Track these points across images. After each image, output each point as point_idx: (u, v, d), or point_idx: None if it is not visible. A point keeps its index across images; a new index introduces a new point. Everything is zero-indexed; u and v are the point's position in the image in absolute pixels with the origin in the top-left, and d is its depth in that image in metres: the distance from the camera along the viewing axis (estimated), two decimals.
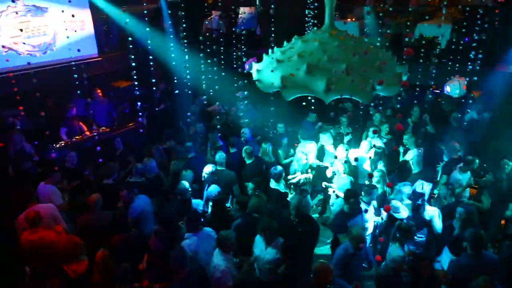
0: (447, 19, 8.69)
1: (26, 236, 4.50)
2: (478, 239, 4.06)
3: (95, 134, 7.99)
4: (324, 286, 3.71)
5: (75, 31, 8.43)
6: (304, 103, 6.71)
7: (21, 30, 7.55)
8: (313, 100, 6.88)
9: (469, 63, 7.06)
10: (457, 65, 7.57)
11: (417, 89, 8.00)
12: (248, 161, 6.22)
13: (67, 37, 7.72)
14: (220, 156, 6.00)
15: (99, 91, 8.84)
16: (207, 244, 4.48)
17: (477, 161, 5.95)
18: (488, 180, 5.82)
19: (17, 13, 8.21)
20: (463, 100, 7.64)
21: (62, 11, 7.30)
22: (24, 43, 7.52)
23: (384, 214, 5.28)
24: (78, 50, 6.27)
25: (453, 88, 7.42)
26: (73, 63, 6.81)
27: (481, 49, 6.93)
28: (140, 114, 6.99)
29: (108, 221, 4.92)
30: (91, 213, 4.86)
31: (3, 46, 8.05)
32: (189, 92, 8.88)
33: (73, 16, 7.54)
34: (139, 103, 7.42)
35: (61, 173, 5.82)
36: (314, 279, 3.70)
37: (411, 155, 6.32)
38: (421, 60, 7.67)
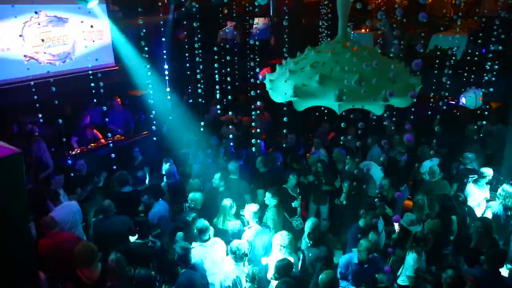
0: (463, 30, 8.63)
1: (42, 241, 4.60)
2: (498, 256, 3.97)
3: (110, 141, 8.13)
4: None
5: (93, 40, 8.66)
6: (317, 113, 6.73)
7: (43, 40, 7.81)
8: (326, 111, 6.89)
9: (485, 74, 6.98)
10: (473, 76, 7.48)
11: (431, 100, 7.92)
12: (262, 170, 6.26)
13: (86, 47, 7.94)
14: (233, 165, 6.03)
15: (118, 99, 9.01)
16: (214, 253, 4.51)
17: (490, 174, 5.86)
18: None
19: (39, 24, 8.49)
20: (478, 112, 7.53)
21: (82, 22, 7.53)
22: (44, 53, 7.76)
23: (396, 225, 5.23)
24: (96, 60, 6.44)
25: (469, 99, 7.33)
26: (91, 71, 7.00)
27: (498, 60, 6.83)
28: (154, 122, 7.10)
29: (126, 226, 4.98)
30: (107, 218, 4.94)
31: (25, 56, 8.32)
32: (203, 102, 8.98)
33: (91, 26, 7.77)
34: (153, 112, 7.55)
35: (75, 180, 5.95)
36: None
37: (425, 167, 6.26)
38: (436, 72, 7.61)
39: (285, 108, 4.70)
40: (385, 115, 7.27)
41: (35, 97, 5.71)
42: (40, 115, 6.12)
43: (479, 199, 5.94)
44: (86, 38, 8.61)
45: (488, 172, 5.96)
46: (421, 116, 8.07)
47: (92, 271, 4.04)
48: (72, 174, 6.13)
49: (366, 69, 3.89)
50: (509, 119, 7.00)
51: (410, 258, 4.51)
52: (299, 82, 3.95)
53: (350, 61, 3.98)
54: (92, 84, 7.02)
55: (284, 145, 7.36)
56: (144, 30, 8.15)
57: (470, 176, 6.17)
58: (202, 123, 7.72)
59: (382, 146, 6.65)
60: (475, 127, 7.25)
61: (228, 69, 7.97)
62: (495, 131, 7.41)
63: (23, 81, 7.75)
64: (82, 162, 6.42)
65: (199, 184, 5.96)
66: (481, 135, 7.30)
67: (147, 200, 5.47)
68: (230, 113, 9.23)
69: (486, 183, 6.00)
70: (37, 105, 5.70)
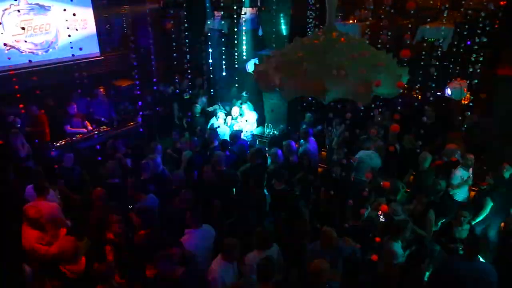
0: (449, 22, 8.67)
1: (24, 231, 4.50)
2: (473, 243, 4.05)
3: (95, 133, 8.01)
4: (321, 286, 3.64)
5: (76, 29, 8.45)
6: (304, 104, 6.72)
7: (23, 28, 7.57)
8: (313, 101, 6.90)
9: (470, 66, 7.06)
10: (458, 67, 7.56)
11: (417, 91, 8.00)
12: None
13: (69, 36, 7.74)
14: (218, 155, 5.95)
15: (102, 89, 8.85)
16: (207, 240, 4.49)
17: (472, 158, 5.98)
18: (489, 184, 5.82)
19: (19, 11, 8.23)
20: (464, 103, 7.64)
21: (64, 10, 7.31)
22: (26, 41, 7.52)
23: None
24: (80, 49, 6.29)
25: (454, 91, 7.41)
26: (75, 62, 6.85)
27: (482, 52, 6.91)
28: (141, 113, 7.01)
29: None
30: (100, 207, 4.85)
31: (5, 44, 8.07)
32: (190, 92, 8.91)
33: (74, 15, 7.56)
34: (139, 103, 7.46)
35: (60, 172, 5.84)
36: (310, 278, 3.64)
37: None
38: (422, 63, 7.66)
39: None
40: (372, 106, 7.36)
41: (16, 87, 5.55)
42: (21, 106, 5.94)
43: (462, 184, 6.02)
44: (69, 27, 8.37)
45: (470, 156, 6.04)
46: (407, 106, 8.18)
47: (76, 265, 4.01)
48: (56, 166, 6.00)
49: (353, 60, 3.89)
50: (493, 110, 7.12)
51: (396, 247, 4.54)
52: (286, 73, 3.94)
53: (338, 51, 3.98)
54: (77, 74, 6.90)
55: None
56: (129, 19, 8.02)
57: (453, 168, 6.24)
58: (189, 114, 7.64)
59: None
60: (460, 118, 7.36)
61: (216, 59, 7.89)
62: (480, 123, 7.52)
63: (4, 71, 7.52)
64: (70, 156, 6.28)
65: None
66: (465, 126, 7.41)
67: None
68: (218, 104, 9.20)
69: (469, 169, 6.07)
70: (18, 95, 5.54)
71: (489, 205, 5.47)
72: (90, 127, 8.11)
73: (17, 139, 6.75)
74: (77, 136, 7.85)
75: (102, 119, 8.53)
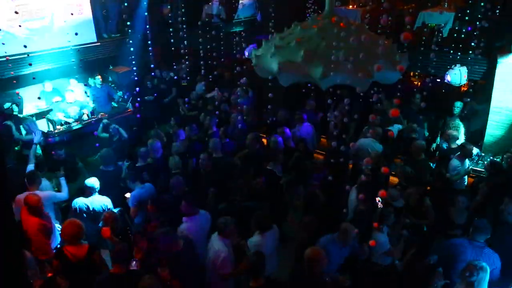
0: (450, 7, 8.57)
1: (25, 218, 4.53)
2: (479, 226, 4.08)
3: (93, 119, 7.97)
4: (317, 275, 3.61)
5: (72, 14, 8.30)
6: (303, 90, 6.68)
7: (17, 12, 7.41)
8: (313, 87, 6.84)
9: (470, 52, 6.99)
10: (459, 53, 7.49)
11: (417, 77, 7.95)
12: None
13: (64, 21, 7.61)
14: (214, 142, 5.94)
15: (99, 76, 8.76)
16: (205, 226, 4.51)
17: (475, 149, 5.97)
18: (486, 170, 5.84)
19: None
20: (464, 90, 7.59)
21: None
22: (20, 26, 7.38)
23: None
24: (76, 34, 6.19)
25: (454, 77, 7.36)
26: (71, 47, 6.75)
27: (483, 38, 6.84)
28: (139, 100, 6.95)
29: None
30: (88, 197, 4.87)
31: None
32: (188, 78, 8.82)
33: None
34: (137, 89, 7.40)
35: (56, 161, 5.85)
36: (306, 267, 3.63)
37: None
38: (422, 48, 7.58)
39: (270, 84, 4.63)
40: (371, 91, 7.31)
41: (12, 73, 5.48)
42: (18, 92, 5.89)
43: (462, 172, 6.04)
44: (64, 11, 8.23)
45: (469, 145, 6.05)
46: (407, 92, 8.13)
47: (78, 248, 4.02)
48: (53, 153, 5.98)
49: (353, 45, 3.83)
50: (490, 97, 7.08)
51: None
52: (284, 58, 3.89)
53: (336, 36, 3.92)
54: (73, 60, 6.81)
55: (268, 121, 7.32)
56: (125, 4, 7.89)
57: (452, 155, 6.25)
58: (186, 100, 7.58)
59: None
60: (460, 104, 7.32)
61: (214, 45, 7.79)
62: (480, 110, 7.49)
63: None
64: (61, 152, 6.18)
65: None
66: (465, 112, 7.38)
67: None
68: (215, 90, 9.12)
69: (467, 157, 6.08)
70: (14, 81, 5.48)
71: (485, 191, 5.48)
72: (86, 116, 8.06)
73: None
74: (76, 122, 7.82)
75: (101, 105, 8.48)
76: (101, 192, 5.04)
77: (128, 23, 7.47)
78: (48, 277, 4.08)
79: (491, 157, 6.66)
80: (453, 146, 6.41)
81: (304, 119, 7.10)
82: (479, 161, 6.81)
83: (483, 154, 7.02)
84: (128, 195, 5.26)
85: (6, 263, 3.12)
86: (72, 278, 3.82)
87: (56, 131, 7.56)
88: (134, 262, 4.00)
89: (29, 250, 4.39)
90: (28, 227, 4.53)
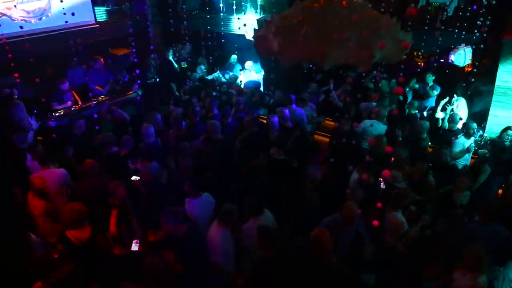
0: None
1: (31, 200, 4.54)
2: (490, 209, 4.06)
3: (93, 102, 7.91)
4: (322, 256, 3.54)
5: None
6: (305, 71, 6.58)
7: None
8: (314, 68, 6.75)
9: (476, 31, 6.84)
10: (463, 32, 7.34)
11: (421, 57, 7.81)
12: None
13: (61, 2, 7.47)
14: (213, 124, 5.83)
15: (101, 59, 8.61)
16: (208, 209, 4.51)
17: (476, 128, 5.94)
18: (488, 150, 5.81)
19: None
20: (468, 70, 7.47)
21: None
22: (15, 6, 7.23)
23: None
24: (73, 14, 6.07)
25: (458, 57, 7.24)
26: (69, 29, 6.64)
27: (489, 16, 6.68)
28: (138, 82, 6.87)
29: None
30: (90, 178, 4.86)
31: None
32: (188, 59, 8.71)
33: None
34: (137, 71, 7.31)
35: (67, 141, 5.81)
36: (311, 248, 3.59)
37: None
38: (426, 28, 7.42)
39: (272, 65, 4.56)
40: (374, 72, 7.21)
41: (10, 56, 5.40)
42: (16, 75, 5.80)
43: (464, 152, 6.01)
44: None
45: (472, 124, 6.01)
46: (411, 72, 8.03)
47: (81, 232, 4.04)
48: (54, 136, 5.95)
49: (355, 24, 3.75)
50: (494, 77, 6.98)
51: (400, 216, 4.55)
52: (286, 38, 3.82)
53: (339, 15, 3.83)
54: (72, 42, 6.70)
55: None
56: None
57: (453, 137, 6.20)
58: (188, 81, 7.49)
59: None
60: (463, 84, 7.23)
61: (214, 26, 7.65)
62: (484, 91, 7.39)
63: None
64: (82, 122, 6.18)
65: None
66: (469, 92, 7.29)
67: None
68: (217, 72, 9.02)
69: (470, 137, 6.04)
70: (12, 64, 5.40)
71: (487, 171, 5.47)
72: (80, 102, 7.91)
73: (19, 110, 6.60)
74: (76, 106, 7.76)
75: (101, 91, 8.38)
76: (104, 175, 5.02)
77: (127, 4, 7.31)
78: (52, 259, 4.12)
79: (492, 138, 6.62)
80: (455, 128, 6.36)
81: (292, 100, 6.96)
82: (481, 142, 6.77)
83: (485, 134, 6.98)
84: (134, 178, 5.24)
85: (10, 246, 3.16)
86: (78, 261, 3.85)
87: (56, 114, 7.51)
88: (136, 242, 4.00)
89: (35, 233, 4.40)
90: (34, 210, 4.54)
